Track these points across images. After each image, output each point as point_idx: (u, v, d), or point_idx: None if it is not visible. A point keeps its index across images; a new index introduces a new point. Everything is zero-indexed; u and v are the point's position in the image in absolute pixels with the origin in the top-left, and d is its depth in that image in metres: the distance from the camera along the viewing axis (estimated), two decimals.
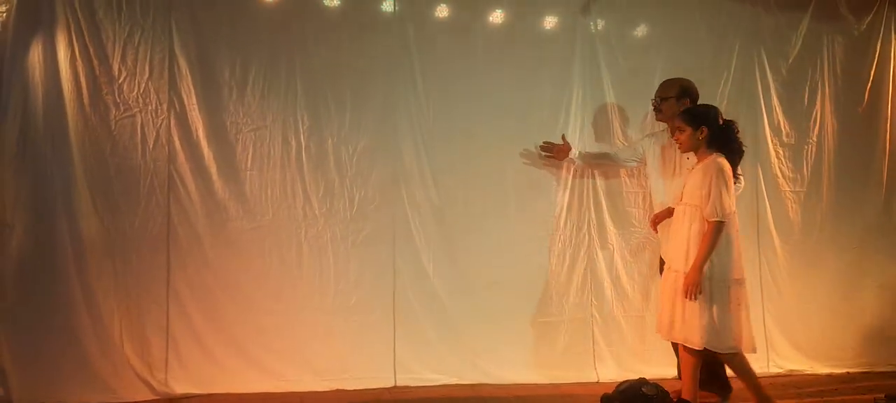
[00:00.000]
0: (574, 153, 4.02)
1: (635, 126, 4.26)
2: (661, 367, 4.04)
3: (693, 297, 3.12)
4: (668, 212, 3.65)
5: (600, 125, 4.22)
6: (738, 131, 3.36)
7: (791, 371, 4.35)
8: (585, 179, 4.19)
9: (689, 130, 3.29)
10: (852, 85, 4.60)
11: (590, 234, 4.19)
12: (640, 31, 4.32)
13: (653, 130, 4.08)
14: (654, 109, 3.92)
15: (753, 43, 4.42)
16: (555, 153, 4.03)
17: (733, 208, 3.23)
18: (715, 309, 3.15)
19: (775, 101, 4.46)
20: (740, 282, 3.24)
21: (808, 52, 4.51)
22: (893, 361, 4.47)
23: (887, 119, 4.64)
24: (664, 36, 4.30)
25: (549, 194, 4.15)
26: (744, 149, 3.40)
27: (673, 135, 3.48)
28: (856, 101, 4.60)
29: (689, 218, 3.25)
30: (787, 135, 4.46)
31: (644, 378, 3.02)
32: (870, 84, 4.62)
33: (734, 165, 3.30)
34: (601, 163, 4.14)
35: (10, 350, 3.32)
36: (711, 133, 3.27)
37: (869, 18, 4.59)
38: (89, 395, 3.39)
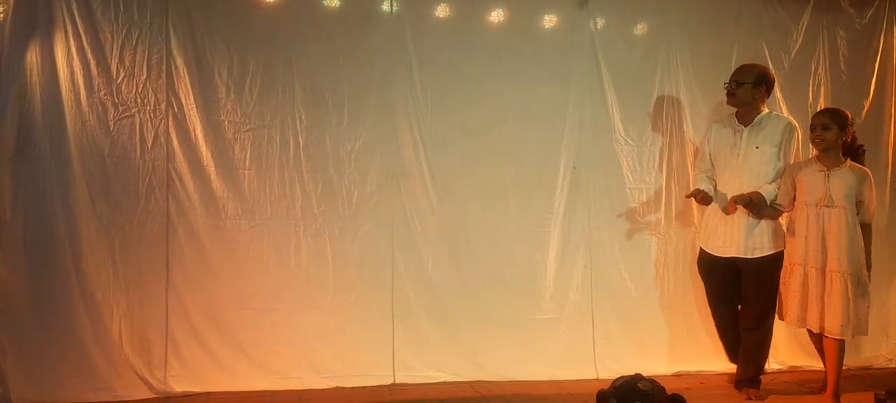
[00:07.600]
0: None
1: (636, 123, 4.23)
2: (659, 364, 4.07)
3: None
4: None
5: (600, 123, 4.19)
6: (864, 154, 3.67)
7: (792, 367, 4.33)
8: (586, 177, 4.17)
9: (835, 129, 3.52)
10: (856, 79, 4.55)
11: (590, 231, 4.17)
12: (640, 28, 4.28)
13: (719, 117, 4.03)
14: (727, 94, 3.79)
15: (754, 37, 4.38)
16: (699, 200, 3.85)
17: None
18: (868, 299, 3.52)
19: (779, 95, 4.41)
20: None
21: (810, 46, 4.46)
22: (892, 357, 4.46)
23: (892, 114, 4.60)
24: (663, 32, 4.26)
25: (548, 192, 4.13)
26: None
27: (813, 130, 3.61)
28: (861, 95, 4.54)
29: (846, 218, 3.47)
30: None
31: (640, 374, 3.00)
32: (874, 78, 4.57)
33: None
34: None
35: (9, 348, 3.33)
36: (849, 141, 3.57)
37: (870, 12, 4.54)
38: (88, 393, 3.40)
